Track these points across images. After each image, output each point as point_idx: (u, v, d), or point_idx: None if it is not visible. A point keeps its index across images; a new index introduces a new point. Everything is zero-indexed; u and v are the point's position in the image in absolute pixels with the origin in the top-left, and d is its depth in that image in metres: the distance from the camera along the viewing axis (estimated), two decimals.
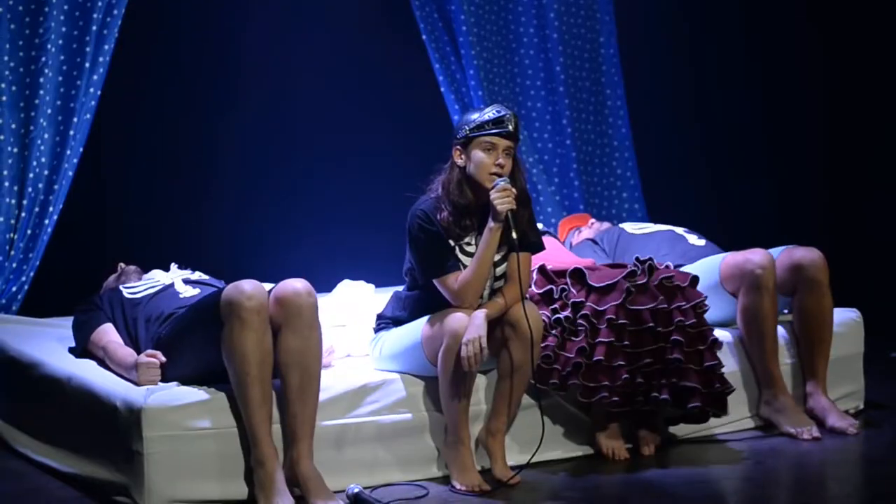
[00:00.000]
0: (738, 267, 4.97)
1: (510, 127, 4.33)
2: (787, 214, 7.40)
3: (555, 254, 5.05)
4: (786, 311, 5.21)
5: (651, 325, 4.52)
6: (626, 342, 4.52)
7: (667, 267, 4.71)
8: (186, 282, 4.63)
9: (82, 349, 4.53)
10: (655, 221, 5.94)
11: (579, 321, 4.53)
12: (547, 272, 4.67)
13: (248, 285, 4.04)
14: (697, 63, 7.38)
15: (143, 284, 4.63)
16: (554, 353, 4.51)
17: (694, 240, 5.51)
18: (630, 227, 5.73)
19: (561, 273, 4.67)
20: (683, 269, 5.16)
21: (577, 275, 4.63)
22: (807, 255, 5.06)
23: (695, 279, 4.68)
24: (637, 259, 4.66)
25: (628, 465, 4.58)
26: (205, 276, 4.76)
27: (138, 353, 4.37)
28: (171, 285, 4.59)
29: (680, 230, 5.59)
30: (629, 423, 4.71)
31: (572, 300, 4.56)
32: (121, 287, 4.63)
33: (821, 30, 7.46)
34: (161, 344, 4.27)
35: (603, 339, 4.50)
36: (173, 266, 4.78)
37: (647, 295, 4.56)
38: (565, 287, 4.61)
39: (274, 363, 4.05)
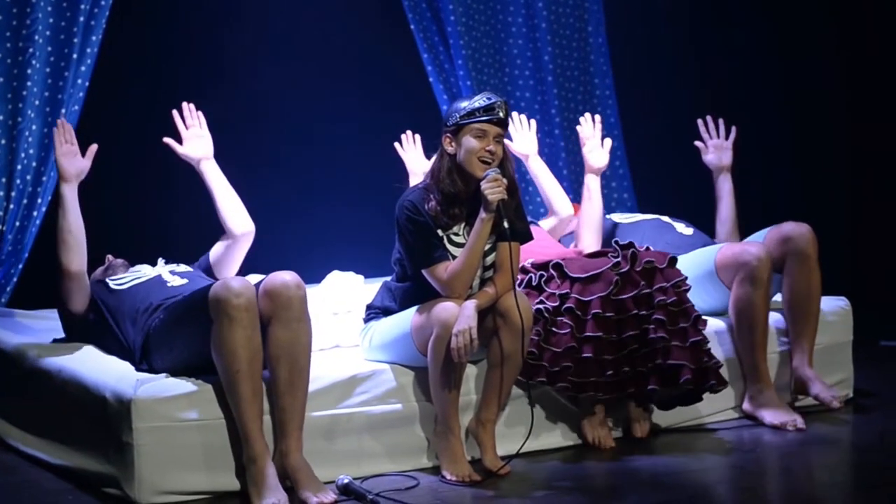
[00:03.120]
0: (734, 258, 4.98)
1: (501, 114, 4.31)
2: (777, 205, 7.39)
3: (542, 244, 5.05)
4: (778, 296, 5.20)
5: (635, 311, 4.53)
6: (613, 335, 4.53)
7: (647, 249, 4.71)
8: (173, 273, 4.62)
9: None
10: (645, 212, 5.93)
11: (563, 314, 4.53)
12: (526, 268, 4.67)
13: (235, 282, 4.03)
14: (687, 52, 7.36)
15: (128, 276, 4.61)
16: (539, 348, 4.51)
17: (682, 228, 5.52)
18: (618, 217, 5.74)
19: (543, 266, 4.66)
20: (678, 258, 5.16)
21: (558, 268, 4.63)
22: (796, 228, 5.07)
23: (673, 259, 4.69)
24: (617, 244, 4.65)
25: (618, 454, 4.58)
26: (192, 270, 4.75)
27: (127, 343, 4.36)
28: (158, 276, 4.58)
29: (667, 218, 5.60)
30: (619, 406, 4.71)
31: (558, 291, 4.56)
32: (107, 279, 4.62)
33: (831, 20, 7.41)
34: (151, 335, 4.25)
35: (590, 334, 4.50)
36: (160, 261, 4.77)
37: (630, 283, 4.56)
38: (544, 274, 4.61)
39: (263, 356, 4.04)
